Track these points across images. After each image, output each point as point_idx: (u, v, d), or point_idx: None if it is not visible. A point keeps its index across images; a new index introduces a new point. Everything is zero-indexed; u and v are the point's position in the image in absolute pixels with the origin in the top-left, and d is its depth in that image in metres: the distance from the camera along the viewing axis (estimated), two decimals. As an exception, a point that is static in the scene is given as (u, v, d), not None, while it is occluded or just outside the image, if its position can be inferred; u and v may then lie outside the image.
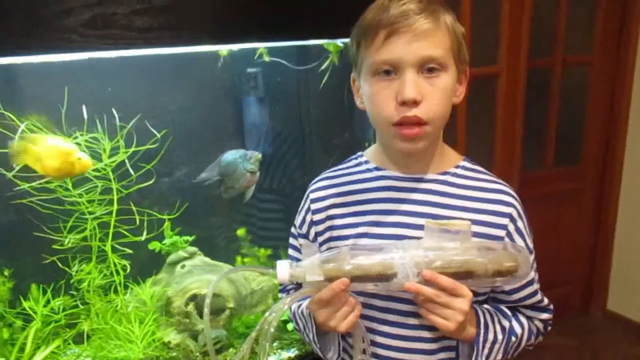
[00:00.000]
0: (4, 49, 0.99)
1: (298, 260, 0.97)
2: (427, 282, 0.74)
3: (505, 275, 0.75)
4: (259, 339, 0.78)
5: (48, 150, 1.16)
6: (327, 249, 0.91)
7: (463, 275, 0.74)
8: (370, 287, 0.78)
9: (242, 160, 1.47)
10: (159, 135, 1.24)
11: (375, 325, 0.88)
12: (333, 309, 0.77)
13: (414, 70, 0.76)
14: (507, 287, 0.87)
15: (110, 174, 1.23)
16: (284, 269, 0.76)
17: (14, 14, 0.99)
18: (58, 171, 1.16)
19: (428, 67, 0.77)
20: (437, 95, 0.78)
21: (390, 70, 0.78)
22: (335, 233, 0.90)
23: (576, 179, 2.68)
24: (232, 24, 1.20)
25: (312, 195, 0.94)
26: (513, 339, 0.86)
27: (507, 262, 0.75)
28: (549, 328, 0.93)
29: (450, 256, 0.75)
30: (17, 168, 1.16)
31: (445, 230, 0.75)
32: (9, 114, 1.14)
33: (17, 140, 1.15)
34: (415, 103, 0.76)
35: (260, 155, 1.50)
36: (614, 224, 2.67)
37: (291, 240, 1.00)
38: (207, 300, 0.79)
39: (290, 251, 1.00)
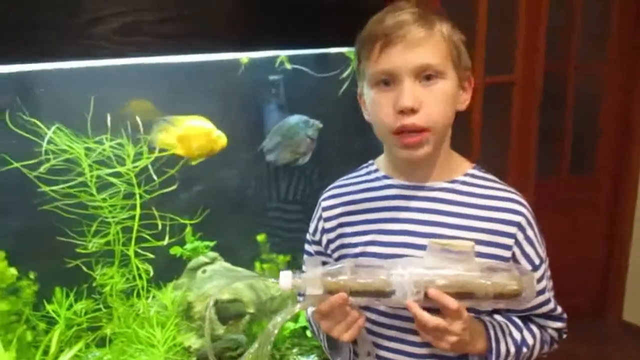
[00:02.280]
0: (37, 56, 1.02)
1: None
2: (430, 300, 0.74)
3: (508, 298, 0.75)
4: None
5: (191, 130, 1.19)
6: (339, 257, 0.91)
7: (463, 296, 0.74)
8: (373, 302, 0.79)
9: (304, 126, 1.44)
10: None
11: (379, 341, 0.88)
12: (334, 321, 0.78)
13: (410, 79, 0.77)
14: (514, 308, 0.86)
15: (134, 178, 1.25)
16: (286, 279, 0.76)
17: (46, 22, 1.02)
18: (201, 150, 1.20)
19: (425, 75, 0.77)
20: (435, 102, 0.78)
21: (389, 81, 0.78)
22: (346, 241, 0.91)
23: (591, 187, 2.66)
24: (256, 33, 1.21)
25: (324, 204, 0.94)
26: (524, 350, 0.85)
27: (510, 285, 0.74)
28: (564, 336, 0.92)
29: (450, 276, 0.74)
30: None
31: (447, 250, 0.75)
32: (35, 120, 1.16)
33: (160, 124, 1.17)
34: (413, 111, 0.77)
35: (320, 125, 1.48)
36: (630, 233, 2.64)
37: (306, 246, 1.01)
38: (210, 303, 0.86)
39: (305, 257, 1.01)
